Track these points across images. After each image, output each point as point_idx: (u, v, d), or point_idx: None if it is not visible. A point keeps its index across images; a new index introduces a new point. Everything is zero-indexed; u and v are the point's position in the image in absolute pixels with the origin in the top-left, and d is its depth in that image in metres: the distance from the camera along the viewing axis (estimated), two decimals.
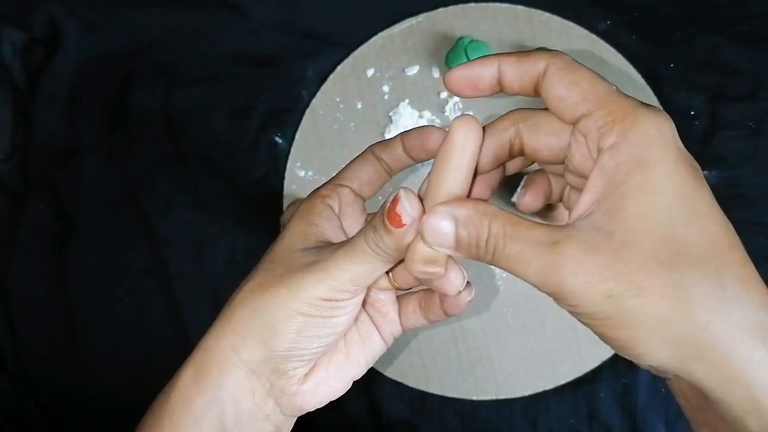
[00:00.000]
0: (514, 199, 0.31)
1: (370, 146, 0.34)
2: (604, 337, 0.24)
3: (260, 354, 0.29)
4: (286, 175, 0.60)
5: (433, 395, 0.58)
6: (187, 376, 0.31)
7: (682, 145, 0.24)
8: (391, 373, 0.58)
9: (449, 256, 0.28)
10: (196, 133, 0.61)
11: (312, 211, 0.31)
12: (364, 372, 0.34)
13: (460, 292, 0.29)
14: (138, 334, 0.61)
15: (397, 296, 0.34)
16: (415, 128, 0.32)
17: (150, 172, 0.61)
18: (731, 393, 0.21)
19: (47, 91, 0.62)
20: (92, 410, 0.61)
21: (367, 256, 0.28)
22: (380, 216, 0.27)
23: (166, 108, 0.61)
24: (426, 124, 0.59)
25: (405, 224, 0.26)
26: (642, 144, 0.22)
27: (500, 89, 0.27)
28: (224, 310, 0.31)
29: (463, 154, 0.26)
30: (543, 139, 0.25)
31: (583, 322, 0.24)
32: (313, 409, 0.32)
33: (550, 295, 0.24)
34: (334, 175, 0.34)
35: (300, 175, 0.60)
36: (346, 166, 0.34)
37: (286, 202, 0.60)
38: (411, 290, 0.33)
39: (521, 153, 0.27)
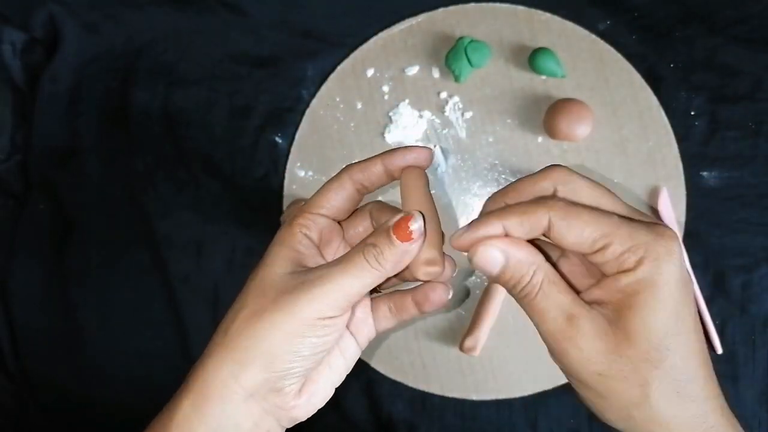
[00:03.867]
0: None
1: (346, 169, 0.34)
2: (582, 397, 0.29)
3: (260, 378, 0.30)
4: (286, 175, 0.60)
5: (433, 395, 0.58)
6: (186, 406, 0.31)
7: (684, 264, 0.28)
8: (391, 373, 0.58)
9: (446, 254, 0.32)
10: (196, 133, 0.61)
11: (293, 239, 0.33)
12: (344, 378, 0.35)
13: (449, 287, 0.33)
14: (138, 334, 0.61)
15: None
16: (395, 148, 0.34)
17: (150, 172, 0.61)
18: None
19: (47, 91, 0.62)
20: (92, 410, 0.61)
21: (365, 271, 0.30)
22: (383, 232, 0.30)
23: (166, 108, 0.61)
24: (426, 124, 0.59)
25: (413, 239, 0.29)
26: (653, 268, 0.27)
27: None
28: (220, 338, 0.32)
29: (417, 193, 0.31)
30: (571, 240, 0.28)
31: (568, 379, 0.29)
32: (305, 419, 0.33)
33: (550, 351, 0.29)
34: (311, 198, 0.35)
35: (300, 175, 0.60)
36: (321, 190, 0.34)
37: (286, 202, 0.60)
38: (381, 293, 0.35)
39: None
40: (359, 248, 0.30)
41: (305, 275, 0.31)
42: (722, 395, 0.28)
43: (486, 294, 0.57)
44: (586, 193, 0.29)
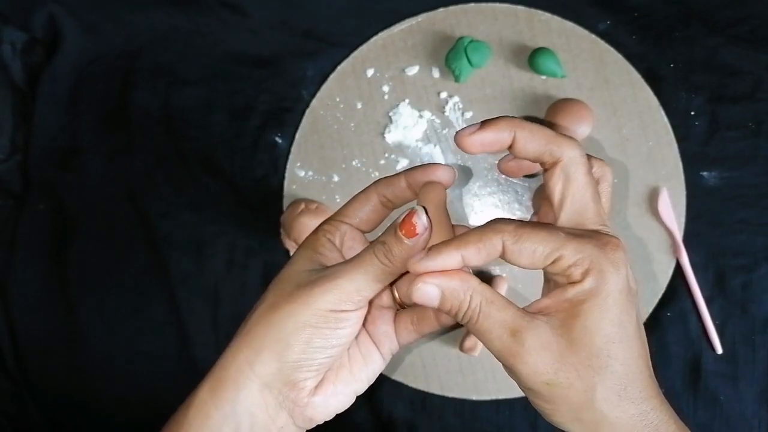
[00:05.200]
0: (497, 161, 0.36)
1: (373, 183, 0.36)
2: (534, 404, 0.31)
3: (273, 367, 0.32)
4: (286, 175, 0.60)
5: (433, 395, 0.58)
6: (204, 391, 0.33)
7: (627, 273, 0.30)
8: (391, 373, 0.58)
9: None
10: (196, 133, 0.61)
11: (316, 243, 0.35)
12: (366, 387, 0.36)
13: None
14: (138, 334, 0.61)
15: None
16: (419, 165, 0.35)
17: (150, 172, 0.61)
18: None
19: (47, 91, 0.62)
20: (92, 410, 0.61)
21: (374, 267, 0.32)
22: (392, 229, 0.32)
23: (166, 108, 0.61)
24: (426, 124, 0.59)
25: (418, 233, 0.31)
26: (598, 280, 0.29)
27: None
28: (240, 329, 0.33)
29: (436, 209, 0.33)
30: (525, 261, 0.30)
31: (521, 389, 0.31)
32: (322, 422, 0.34)
33: (504, 367, 0.30)
34: (339, 209, 0.36)
35: (300, 175, 0.60)
36: (349, 201, 0.36)
37: (286, 202, 0.60)
38: (406, 307, 0.37)
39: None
40: (370, 246, 0.32)
41: (322, 272, 0.32)
42: (660, 392, 0.31)
43: None
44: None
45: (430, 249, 0.30)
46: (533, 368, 0.29)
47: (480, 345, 0.55)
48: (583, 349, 0.29)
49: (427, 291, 0.30)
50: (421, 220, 0.31)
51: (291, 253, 0.59)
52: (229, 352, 0.33)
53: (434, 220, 0.32)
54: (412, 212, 0.31)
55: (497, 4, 0.59)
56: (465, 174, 0.59)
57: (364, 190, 0.36)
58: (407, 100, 0.59)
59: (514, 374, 0.30)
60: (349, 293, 0.31)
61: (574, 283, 0.29)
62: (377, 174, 0.59)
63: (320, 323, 0.31)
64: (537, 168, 0.33)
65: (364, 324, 0.35)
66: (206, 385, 0.32)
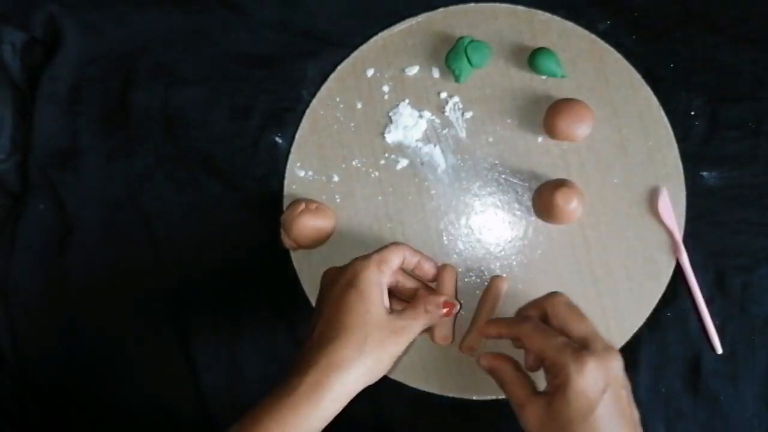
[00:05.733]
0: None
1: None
2: None
3: (362, 381, 0.45)
4: (286, 175, 0.60)
5: (433, 395, 0.58)
6: (307, 382, 0.44)
7: (597, 377, 0.43)
8: (391, 373, 0.58)
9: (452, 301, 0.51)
10: (196, 133, 0.61)
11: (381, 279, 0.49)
12: None
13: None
14: (137, 334, 0.61)
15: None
16: (438, 299, 0.50)
17: (150, 172, 0.61)
18: None
19: (47, 91, 0.62)
20: (92, 410, 0.61)
21: (424, 321, 0.49)
22: (438, 304, 0.49)
23: (166, 108, 0.61)
24: (426, 124, 0.59)
25: (452, 314, 0.51)
26: (565, 378, 0.43)
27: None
28: (333, 333, 0.45)
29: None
30: (531, 349, 0.48)
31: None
32: None
33: None
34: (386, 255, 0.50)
35: (300, 175, 0.60)
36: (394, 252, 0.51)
37: (286, 202, 0.60)
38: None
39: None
40: (422, 308, 0.49)
41: (397, 321, 0.47)
42: None
43: (486, 294, 0.57)
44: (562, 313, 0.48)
45: (490, 323, 0.52)
46: (531, 424, 0.44)
47: (479, 345, 0.55)
48: (556, 419, 0.43)
49: (486, 363, 0.49)
50: (455, 310, 0.51)
51: (291, 253, 0.59)
52: (332, 349, 0.44)
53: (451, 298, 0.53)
54: (453, 304, 0.50)
55: (497, 4, 0.59)
56: (465, 173, 0.59)
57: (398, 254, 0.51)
58: (407, 100, 0.59)
59: (522, 423, 0.46)
60: (409, 340, 0.48)
61: (555, 375, 0.44)
62: (377, 174, 0.59)
63: (389, 365, 0.47)
64: None
65: None
66: (314, 371, 0.43)
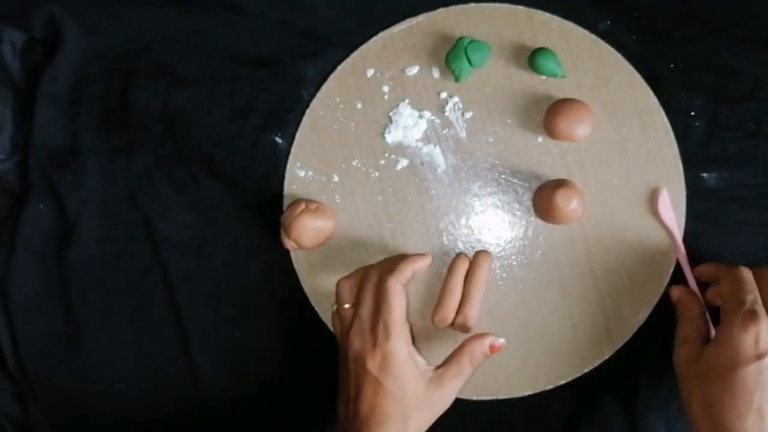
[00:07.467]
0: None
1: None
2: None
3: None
4: (286, 175, 0.60)
5: None
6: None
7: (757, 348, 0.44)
8: None
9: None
10: (196, 133, 0.61)
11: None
12: None
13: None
14: (137, 334, 0.61)
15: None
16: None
17: (150, 172, 0.61)
18: None
19: (47, 91, 0.62)
20: (92, 410, 0.61)
21: (469, 371, 0.49)
22: (484, 352, 0.49)
23: (166, 108, 0.61)
24: (426, 124, 0.59)
25: (497, 352, 0.49)
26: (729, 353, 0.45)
27: None
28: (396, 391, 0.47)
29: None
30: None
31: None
32: None
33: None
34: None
35: (300, 175, 0.60)
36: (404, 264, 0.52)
37: (286, 202, 0.60)
38: None
39: None
40: (467, 359, 0.48)
41: (438, 389, 0.48)
42: None
43: (476, 269, 0.55)
44: None
45: (705, 266, 0.54)
46: (677, 364, 0.50)
47: (473, 321, 0.54)
48: (700, 364, 0.48)
49: (678, 293, 0.54)
50: (500, 344, 0.49)
51: (291, 253, 0.59)
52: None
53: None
54: (499, 346, 0.49)
55: (497, 4, 0.59)
56: (465, 173, 0.59)
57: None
58: (407, 100, 0.59)
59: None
60: (453, 395, 0.49)
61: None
62: (377, 174, 0.59)
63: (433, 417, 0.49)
64: None
65: None
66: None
